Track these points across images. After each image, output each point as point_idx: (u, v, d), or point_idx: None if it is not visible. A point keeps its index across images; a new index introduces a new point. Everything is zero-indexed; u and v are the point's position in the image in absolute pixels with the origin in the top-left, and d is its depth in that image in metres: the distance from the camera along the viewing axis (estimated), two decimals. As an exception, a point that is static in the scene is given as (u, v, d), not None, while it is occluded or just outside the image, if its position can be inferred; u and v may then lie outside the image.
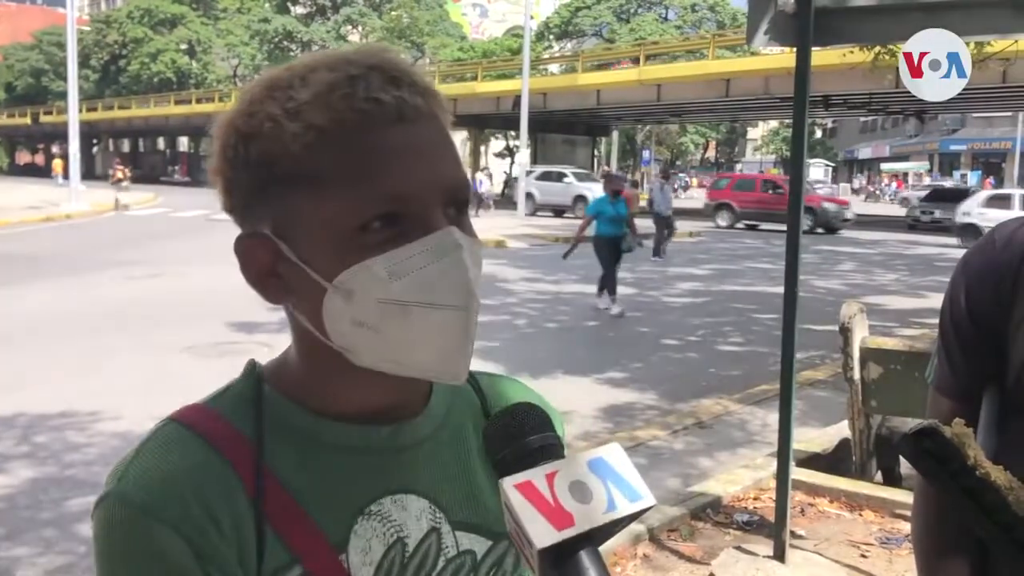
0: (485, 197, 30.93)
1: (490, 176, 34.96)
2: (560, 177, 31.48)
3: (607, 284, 10.74)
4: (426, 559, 0.77)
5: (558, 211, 30.83)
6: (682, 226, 25.17)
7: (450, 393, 0.85)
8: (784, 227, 3.83)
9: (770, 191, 27.81)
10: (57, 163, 44.25)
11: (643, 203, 24.35)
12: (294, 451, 0.75)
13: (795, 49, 3.59)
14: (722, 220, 28.42)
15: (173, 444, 0.72)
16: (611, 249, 10.60)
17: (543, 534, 0.62)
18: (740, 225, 28.03)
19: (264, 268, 0.75)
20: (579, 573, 0.62)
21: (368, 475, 0.76)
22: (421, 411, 0.81)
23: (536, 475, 0.64)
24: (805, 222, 25.54)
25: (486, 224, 22.20)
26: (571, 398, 6.46)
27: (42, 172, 59.96)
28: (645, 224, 15.15)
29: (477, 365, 0.84)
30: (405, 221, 0.71)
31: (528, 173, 31.94)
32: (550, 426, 0.70)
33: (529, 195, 30.90)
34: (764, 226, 26.94)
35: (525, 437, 0.68)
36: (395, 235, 0.71)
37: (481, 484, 0.82)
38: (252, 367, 0.80)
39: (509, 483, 0.64)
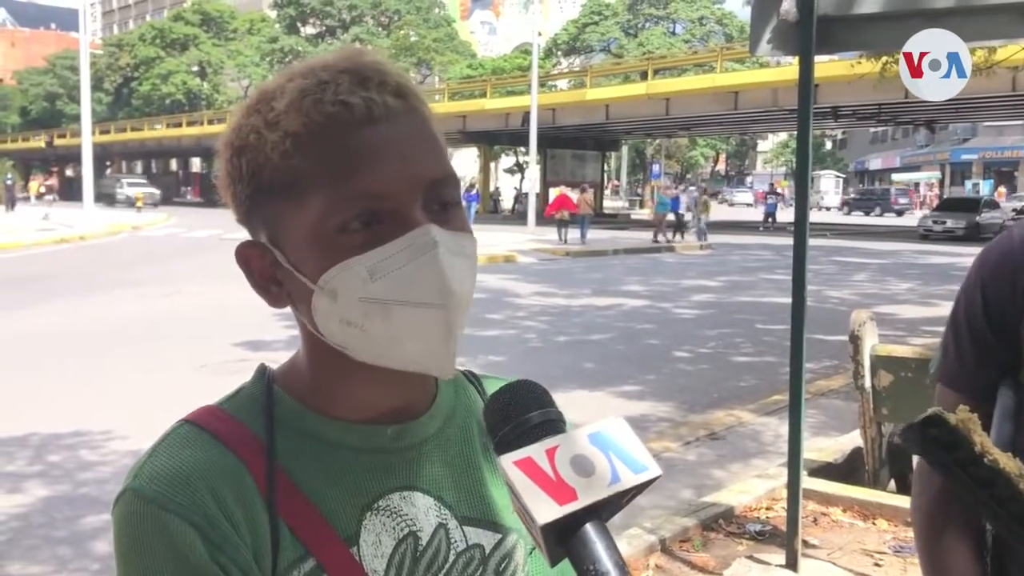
0: (693, 222, 23.84)
1: (689, 191, 26.14)
2: None
3: None
4: (438, 552, 0.79)
5: None
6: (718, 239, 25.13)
7: (455, 393, 0.86)
8: None
9: None
10: (32, 186, 43.34)
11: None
12: (303, 450, 0.77)
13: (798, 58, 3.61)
14: None
15: (187, 443, 0.75)
16: None
17: (545, 510, 0.61)
18: None
19: (264, 275, 0.78)
20: (585, 547, 0.61)
21: (375, 473, 0.78)
22: (427, 410, 0.82)
23: (535, 451, 0.63)
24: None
25: (497, 239, 22.14)
26: (583, 411, 6.43)
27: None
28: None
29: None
30: (383, 219, 0.72)
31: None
32: (550, 401, 0.70)
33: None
34: None
35: (525, 413, 0.67)
36: (375, 234, 0.72)
37: (487, 480, 0.84)
38: (263, 370, 0.82)
39: (508, 460, 0.63)
